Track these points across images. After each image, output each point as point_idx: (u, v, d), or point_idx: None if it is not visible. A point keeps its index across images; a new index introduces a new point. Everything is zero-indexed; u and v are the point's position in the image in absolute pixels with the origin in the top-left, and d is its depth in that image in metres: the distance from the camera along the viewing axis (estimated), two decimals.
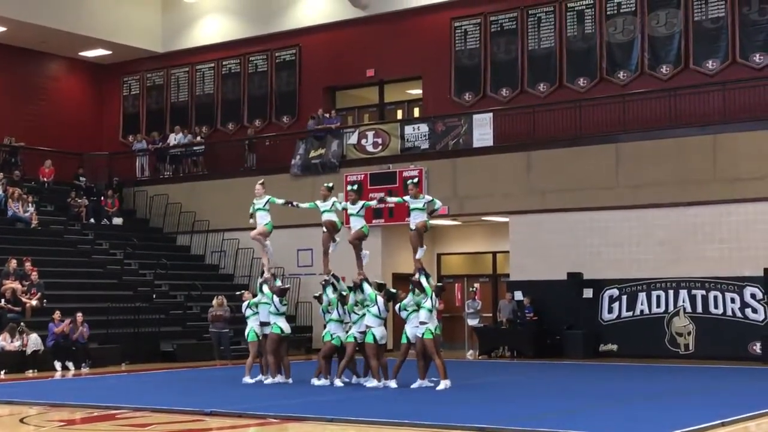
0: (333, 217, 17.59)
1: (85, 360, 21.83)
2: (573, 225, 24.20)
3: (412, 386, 16.22)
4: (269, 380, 17.44)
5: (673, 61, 25.02)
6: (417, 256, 16.81)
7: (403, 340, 16.51)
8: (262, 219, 18.07)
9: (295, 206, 18.38)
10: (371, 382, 16.51)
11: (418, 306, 16.08)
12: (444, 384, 15.82)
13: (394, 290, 17.28)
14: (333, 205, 17.63)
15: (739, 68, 24.11)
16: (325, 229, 17.64)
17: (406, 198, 17.08)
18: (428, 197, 17.38)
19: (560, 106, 25.52)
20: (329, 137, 28.21)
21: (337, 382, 16.71)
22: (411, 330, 16.26)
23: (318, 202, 17.74)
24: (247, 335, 17.91)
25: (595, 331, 23.65)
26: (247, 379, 17.60)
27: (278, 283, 17.96)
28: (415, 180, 17.52)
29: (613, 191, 23.77)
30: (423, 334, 15.79)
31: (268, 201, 18.00)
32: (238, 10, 32.11)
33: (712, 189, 22.58)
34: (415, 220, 16.92)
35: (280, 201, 18.20)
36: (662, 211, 23.18)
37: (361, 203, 17.61)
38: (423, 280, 16.14)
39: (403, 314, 16.45)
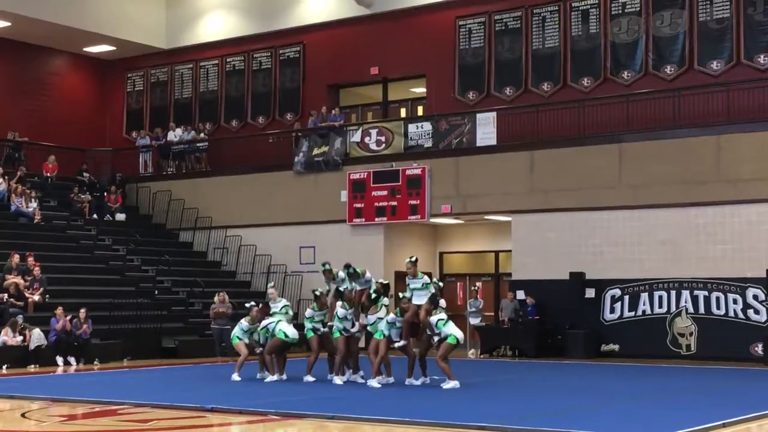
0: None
1: (92, 358, 21.89)
2: (576, 224, 24.18)
3: (414, 383, 16.33)
4: (269, 378, 17.44)
5: (678, 62, 25.00)
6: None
7: (379, 336, 16.47)
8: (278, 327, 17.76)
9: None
10: (373, 380, 16.51)
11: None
12: (451, 384, 15.88)
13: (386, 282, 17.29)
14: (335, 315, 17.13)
15: (743, 69, 24.08)
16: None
17: (407, 281, 16.63)
18: (426, 279, 16.58)
19: (564, 106, 25.51)
20: (332, 135, 28.20)
21: (336, 380, 16.74)
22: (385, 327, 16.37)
23: (310, 311, 17.40)
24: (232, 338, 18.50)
25: (596, 331, 23.65)
26: (236, 377, 17.60)
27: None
28: (413, 258, 16.66)
29: (616, 191, 23.75)
30: (448, 338, 15.83)
31: (284, 307, 17.86)
32: (242, 6, 32.10)
33: (715, 190, 22.55)
34: (417, 300, 16.29)
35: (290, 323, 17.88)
36: (665, 211, 23.15)
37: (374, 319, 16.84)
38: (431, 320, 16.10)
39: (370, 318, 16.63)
